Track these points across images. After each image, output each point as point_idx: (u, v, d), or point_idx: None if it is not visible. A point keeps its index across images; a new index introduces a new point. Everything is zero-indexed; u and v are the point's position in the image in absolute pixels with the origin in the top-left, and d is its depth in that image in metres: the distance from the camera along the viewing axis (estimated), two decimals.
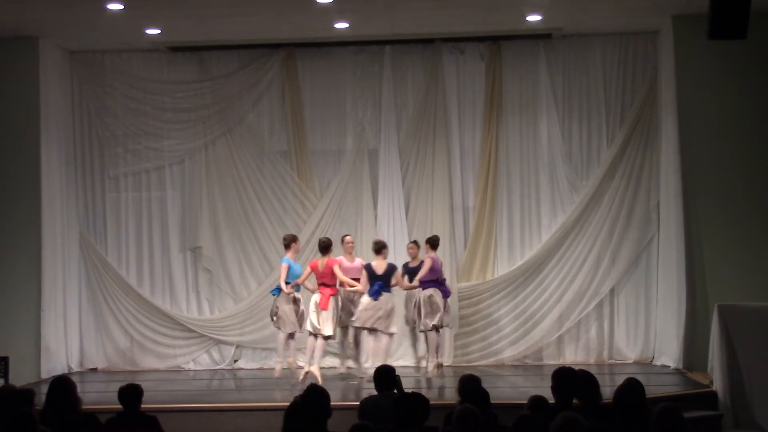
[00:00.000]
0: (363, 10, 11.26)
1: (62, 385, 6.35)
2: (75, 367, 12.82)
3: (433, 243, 11.67)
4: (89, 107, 13.23)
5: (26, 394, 6.41)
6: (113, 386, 7.16)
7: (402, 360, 12.17)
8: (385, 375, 6.95)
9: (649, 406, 5.48)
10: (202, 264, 13.13)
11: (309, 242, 12.81)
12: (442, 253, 12.31)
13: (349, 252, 11.55)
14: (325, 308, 11.00)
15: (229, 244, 13.10)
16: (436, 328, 11.38)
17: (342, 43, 12.86)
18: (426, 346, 11.70)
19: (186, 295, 13.24)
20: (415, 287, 11.48)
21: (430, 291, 11.36)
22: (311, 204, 13.03)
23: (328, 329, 10.99)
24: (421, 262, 11.54)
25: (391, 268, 11.25)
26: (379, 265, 11.23)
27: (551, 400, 6.11)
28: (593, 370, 7.36)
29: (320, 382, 9.73)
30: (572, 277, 12.69)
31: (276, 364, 11.46)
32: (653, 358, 12.52)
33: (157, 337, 13.11)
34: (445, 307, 11.47)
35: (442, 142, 12.87)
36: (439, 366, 11.48)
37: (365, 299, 11.11)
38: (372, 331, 11.13)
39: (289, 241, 11.46)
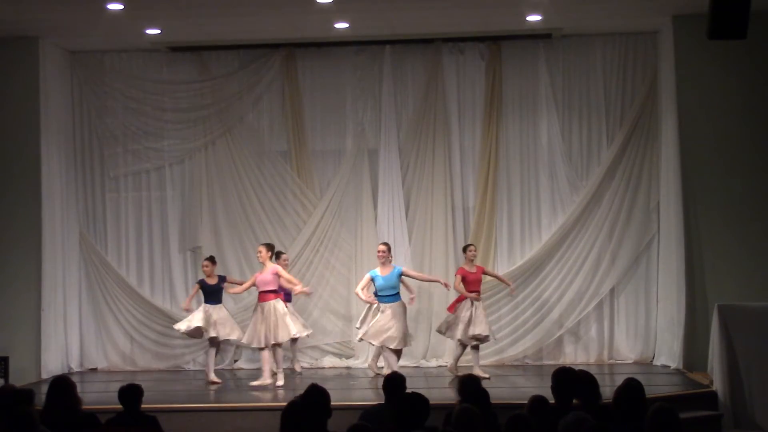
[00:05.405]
0: (363, 10, 11.25)
1: (62, 385, 6.34)
2: (75, 367, 12.82)
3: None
4: (89, 107, 13.22)
5: (26, 394, 6.40)
6: (113, 386, 7.17)
7: (402, 360, 12.13)
8: (396, 383, 6.81)
9: (649, 407, 5.47)
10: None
11: (309, 242, 12.82)
12: (443, 252, 12.37)
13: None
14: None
15: (229, 244, 13.09)
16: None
17: (342, 43, 12.85)
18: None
19: (186, 295, 13.15)
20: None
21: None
22: (311, 204, 13.02)
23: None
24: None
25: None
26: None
27: (551, 400, 6.11)
28: (593, 370, 7.36)
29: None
30: (572, 277, 12.68)
31: None
32: (653, 358, 12.50)
33: (157, 337, 13.11)
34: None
35: (442, 142, 12.86)
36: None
37: None
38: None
39: None
